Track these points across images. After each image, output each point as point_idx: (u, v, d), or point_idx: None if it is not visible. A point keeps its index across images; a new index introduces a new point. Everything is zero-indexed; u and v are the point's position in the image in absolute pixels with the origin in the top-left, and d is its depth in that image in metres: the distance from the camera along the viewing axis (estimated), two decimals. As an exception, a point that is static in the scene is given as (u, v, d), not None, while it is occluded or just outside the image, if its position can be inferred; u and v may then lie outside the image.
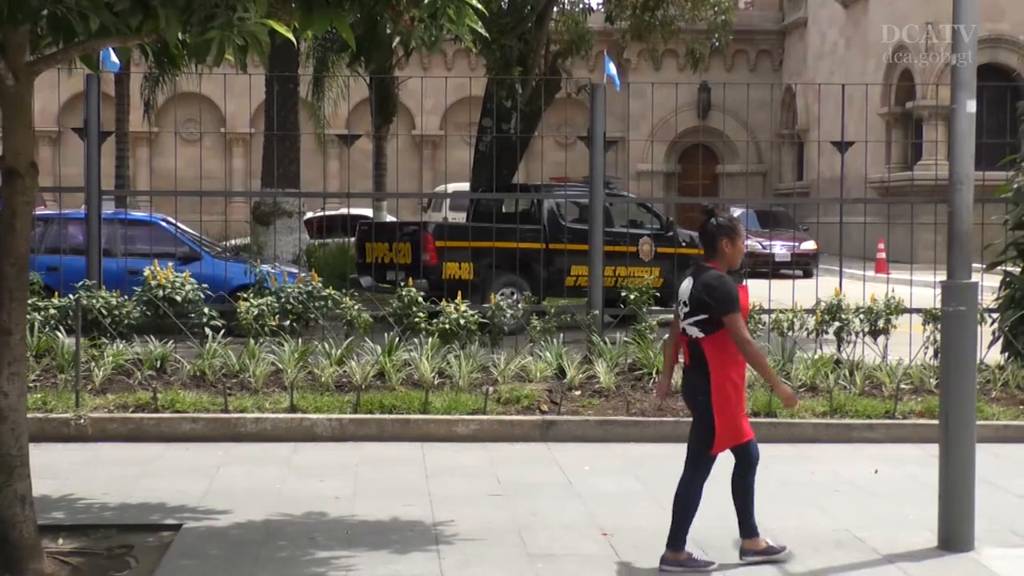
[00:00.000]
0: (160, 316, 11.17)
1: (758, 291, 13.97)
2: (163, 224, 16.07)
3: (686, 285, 6.37)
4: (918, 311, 11.80)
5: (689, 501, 6.29)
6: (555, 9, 21.53)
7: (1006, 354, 11.48)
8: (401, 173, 30.18)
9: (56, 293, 11.47)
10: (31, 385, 9.71)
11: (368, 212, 25.44)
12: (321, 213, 24.88)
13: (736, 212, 31.47)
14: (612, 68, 15.89)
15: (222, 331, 11.13)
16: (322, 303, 11.33)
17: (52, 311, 11.00)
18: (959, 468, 6.70)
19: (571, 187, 16.47)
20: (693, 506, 6.29)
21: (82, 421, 9.32)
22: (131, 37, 5.81)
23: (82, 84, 11.95)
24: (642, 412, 9.91)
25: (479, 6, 5.95)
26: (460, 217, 23.01)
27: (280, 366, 10.47)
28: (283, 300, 11.28)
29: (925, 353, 11.29)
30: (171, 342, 10.96)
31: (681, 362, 6.50)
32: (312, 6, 5.80)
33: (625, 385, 10.60)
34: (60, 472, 8.19)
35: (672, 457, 9.07)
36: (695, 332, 6.27)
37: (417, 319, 11.22)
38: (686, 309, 6.30)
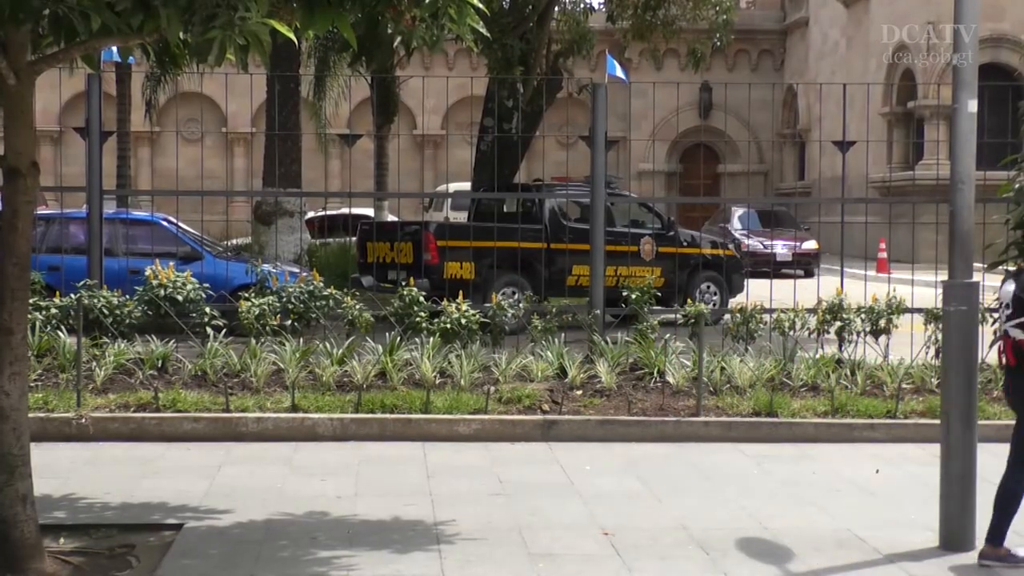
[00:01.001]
0: (161, 316, 11.16)
1: (759, 291, 14.00)
2: (164, 224, 16.06)
3: (1007, 288, 6.39)
4: (919, 311, 11.80)
5: (1013, 498, 6.31)
6: (556, 9, 21.52)
7: (1008, 354, 11.46)
8: (402, 173, 30.19)
9: (57, 293, 11.46)
10: (32, 385, 9.72)
11: (369, 212, 25.40)
12: (322, 213, 24.87)
13: (737, 212, 31.67)
14: (616, 67, 15.91)
15: (223, 331, 11.13)
16: (323, 303, 11.33)
17: (53, 311, 10.99)
18: (960, 468, 6.71)
19: (572, 187, 16.46)
20: (1016, 502, 6.32)
21: (83, 420, 9.32)
22: (132, 36, 5.81)
23: (83, 84, 11.94)
24: (643, 412, 9.91)
25: (480, 6, 5.94)
26: (461, 217, 23.00)
27: (281, 366, 10.47)
28: (284, 300, 11.29)
29: (926, 353, 11.29)
30: (172, 342, 10.96)
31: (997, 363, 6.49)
32: (313, 6, 5.79)
33: (626, 385, 10.60)
34: (61, 471, 8.19)
35: (673, 457, 9.13)
36: (1018, 334, 6.31)
37: (418, 319, 11.21)
38: (1008, 311, 6.34)
